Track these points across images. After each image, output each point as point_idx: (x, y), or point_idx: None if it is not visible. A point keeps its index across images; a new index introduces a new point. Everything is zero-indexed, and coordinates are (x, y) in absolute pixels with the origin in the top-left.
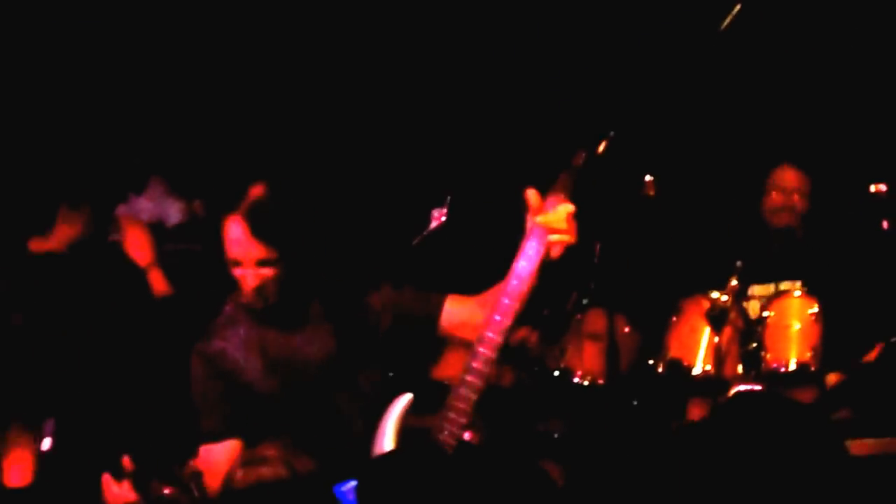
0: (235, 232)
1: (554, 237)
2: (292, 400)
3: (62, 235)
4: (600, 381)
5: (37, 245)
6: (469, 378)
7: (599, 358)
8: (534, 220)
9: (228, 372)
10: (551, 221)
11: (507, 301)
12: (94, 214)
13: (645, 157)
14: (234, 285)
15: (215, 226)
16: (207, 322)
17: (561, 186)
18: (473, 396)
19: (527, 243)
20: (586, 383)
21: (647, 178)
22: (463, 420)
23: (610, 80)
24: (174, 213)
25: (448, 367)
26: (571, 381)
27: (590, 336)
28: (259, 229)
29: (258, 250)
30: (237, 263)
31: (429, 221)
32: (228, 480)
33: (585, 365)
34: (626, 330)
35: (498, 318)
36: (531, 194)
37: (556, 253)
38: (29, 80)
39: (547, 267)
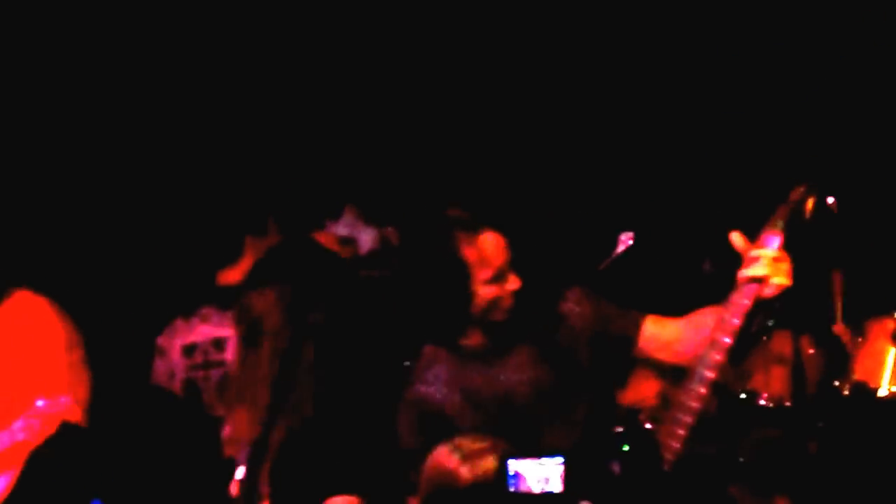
0: (498, 241)
1: (758, 273)
2: (501, 438)
3: (251, 264)
4: (787, 404)
5: (226, 277)
6: (687, 403)
7: (785, 380)
8: (747, 258)
9: (433, 416)
10: (762, 265)
11: (723, 338)
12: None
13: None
14: (424, 315)
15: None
16: (397, 350)
17: (776, 222)
18: (690, 420)
19: (742, 283)
20: (773, 406)
21: (830, 199)
22: (676, 445)
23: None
24: (367, 239)
25: (634, 392)
26: (758, 403)
27: (776, 358)
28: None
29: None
30: (500, 276)
31: (616, 245)
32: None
33: (772, 387)
34: (812, 352)
35: (713, 354)
36: (736, 238)
37: (769, 294)
38: (214, 111)
39: (762, 306)
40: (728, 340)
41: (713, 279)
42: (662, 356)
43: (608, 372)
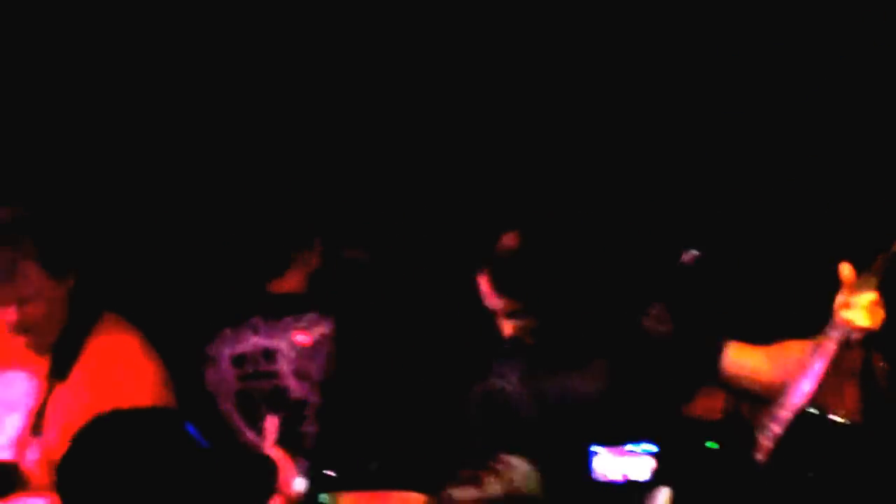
0: (482, 284)
1: (857, 323)
2: (566, 443)
3: (301, 274)
4: (858, 420)
5: (275, 286)
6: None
7: (857, 395)
8: (843, 299)
9: (505, 411)
10: (860, 313)
11: (807, 382)
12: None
13: None
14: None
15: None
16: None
17: (875, 270)
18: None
19: (833, 324)
20: (844, 421)
21: None
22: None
23: None
24: None
25: (699, 406)
26: (829, 419)
27: (847, 373)
28: (499, 284)
29: (503, 303)
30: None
31: (681, 259)
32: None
33: (845, 403)
34: (884, 367)
35: (798, 393)
36: (845, 270)
37: (856, 336)
38: (261, 123)
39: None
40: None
41: (691, 272)
42: (741, 384)
43: (682, 393)
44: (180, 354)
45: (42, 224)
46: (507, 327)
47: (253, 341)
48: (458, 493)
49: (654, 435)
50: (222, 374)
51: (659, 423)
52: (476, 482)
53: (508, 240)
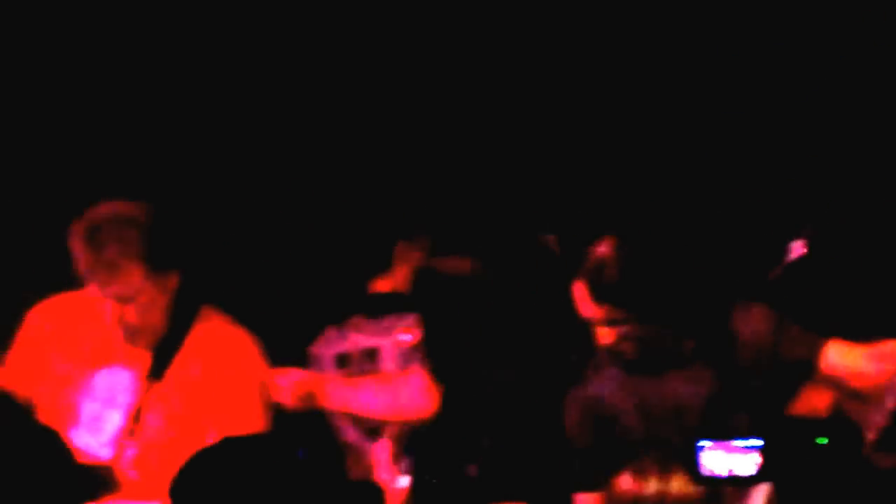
0: (577, 292)
1: None
2: (668, 448)
3: (404, 273)
4: None
5: (378, 286)
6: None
7: None
8: None
9: (604, 418)
10: None
11: None
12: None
13: None
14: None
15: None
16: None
17: None
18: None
19: None
20: None
21: None
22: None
23: None
24: None
25: (805, 404)
26: None
27: None
28: (597, 292)
29: (600, 312)
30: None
31: (787, 253)
32: None
33: None
34: None
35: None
36: None
37: None
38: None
39: None
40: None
41: (794, 270)
42: (842, 383)
43: (783, 393)
44: (283, 353)
45: (148, 222)
46: (606, 336)
47: (355, 340)
48: (633, 485)
49: (760, 432)
50: (325, 374)
51: (763, 421)
52: (661, 474)
53: (603, 247)
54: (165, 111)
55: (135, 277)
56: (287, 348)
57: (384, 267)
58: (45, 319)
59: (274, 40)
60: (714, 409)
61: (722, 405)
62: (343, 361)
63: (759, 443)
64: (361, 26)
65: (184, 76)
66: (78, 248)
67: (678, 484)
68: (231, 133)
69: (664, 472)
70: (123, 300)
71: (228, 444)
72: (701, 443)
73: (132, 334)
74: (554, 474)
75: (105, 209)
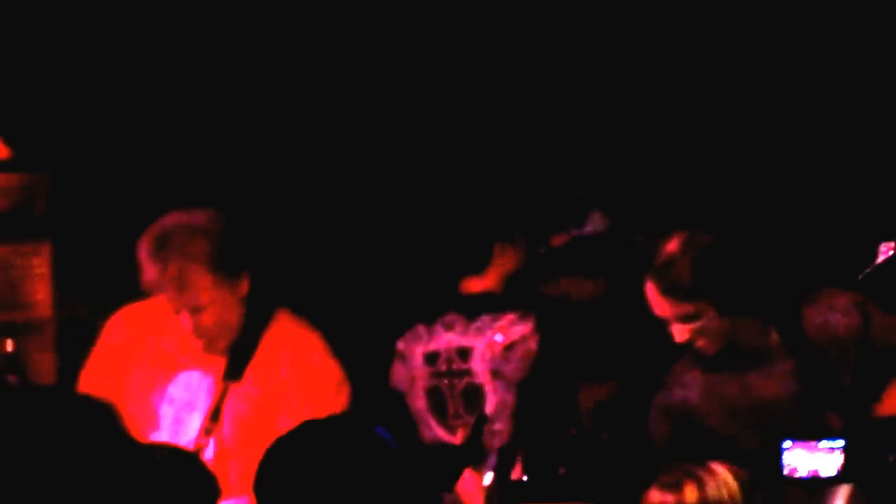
0: (649, 291)
1: None
2: (753, 448)
3: (498, 273)
4: None
5: (471, 285)
6: None
7: None
8: None
9: (690, 422)
10: None
11: None
12: (529, 248)
13: None
14: None
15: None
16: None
17: None
18: None
19: None
20: None
21: None
22: None
23: None
24: None
25: (891, 403)
26: None
27: None
28: (668, 288)
29: (673, 309)
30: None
31: (875, 255)
32: None
33: None
34: None
35: None
36: None
37: None
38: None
39: None
40: None
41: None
42: None
43: (874, 387)
44: (368, 348)
45: (214, 229)
46: (680, 333)
47: (447, 339)
48: (657, 497)
49: (843, 432)
50: (413, 371)
51: (847, 420)
52: (676, 488)
53: (671, 244)
54: (235, 114)
55: (204, 287)
56: (375, 344)
57: (478, 267)
58: (123, 328)
59: (349, 42)
60: (798, 407)
61: (806, 403)
62: (432, 360)
63: (842, 443)
64: (445, 33)
65: (255, 79)
66: (145, 263)
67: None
68: (322, 126)
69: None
70: (195, 311)
71: (309, 428)
72: (784, 443)
73: (208, 340)
74: (640, 478)
75: (170, 220)
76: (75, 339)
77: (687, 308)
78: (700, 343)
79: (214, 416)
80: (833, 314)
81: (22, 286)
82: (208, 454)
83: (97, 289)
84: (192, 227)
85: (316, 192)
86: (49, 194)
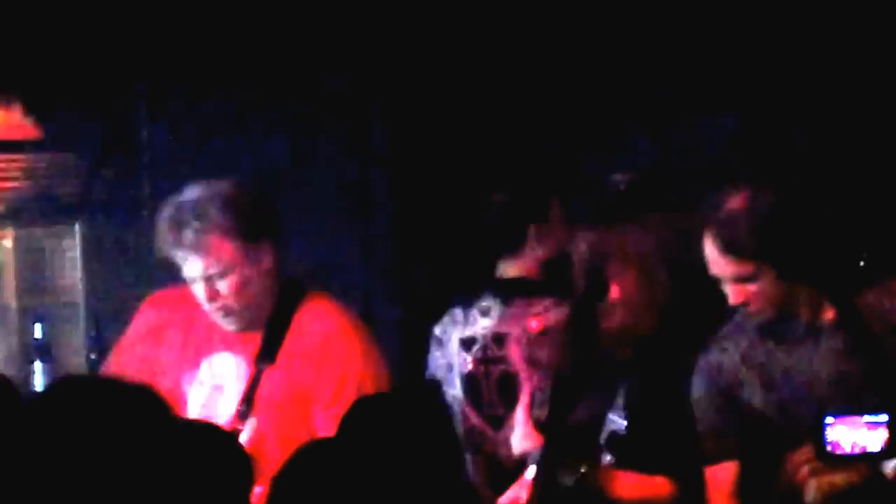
0: (707, 248)
1: None
2: (792, 425)
3: (535, 256)
4: None
5: (508, 269)
6: None
7: None
8: None
9: (726, 386)
10: None
11: None
12: (567, 233)
13: None
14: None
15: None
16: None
17: None
18: None
19: None
20: None
21: None
22: None
23: None
24: None
25: None
26: None
27: None
28: (730, 246)
29: (732, 268)
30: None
31: None
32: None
33: None
34: None
35: None
36: None
37: None
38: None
39: None
40: None
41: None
42: None
43: None
44: (406, 332)
45: (232, 195)
46: (737, 294)
47: (484, 324)
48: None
49: (887, 407)
50: (449, 357)
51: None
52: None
53: (736, 199)
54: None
55: (223, 253)
56: (411, 327)
57: (515, 250)
58: (154, 313)
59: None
60: (845, 383)
61: (854, 380)
62: (469, 345)
63: (886, 417)
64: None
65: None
66: (163, 230)
67: None
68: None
69: None
70: (213, 279)
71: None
72: (827, 418)
73: (232, 318)
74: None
75: (189, 190)
76: (105, 323)
77: (747, 268)
78: (753, 307)
79: (248, 400)
80: (891, 299)
81: (51, 270)
82: (243, 439)
83: (127, 273)
84: (211, 194)
85: (349, 172)
86: (79, 176)
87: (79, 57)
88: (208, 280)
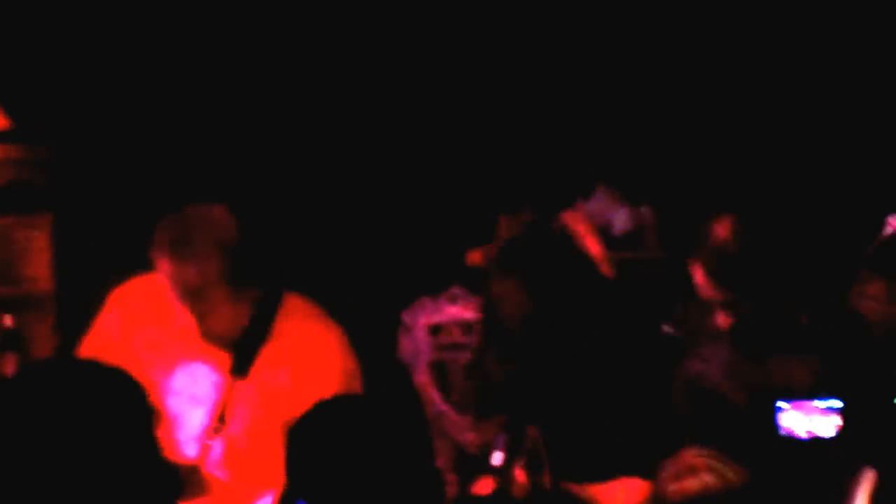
0: (697, 276)
1: None
2: (769, 429)
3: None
4: None
5: (476, 257)
6: None
7: None
8: None
9: (707, 395)
10: None
11: None
12: (536, 221)
13: None
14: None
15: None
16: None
17: None
18: None
19: None
20: None
21: None
22: None
23: None
24: (620, 220)
25: None
26: None
27: None
28: (718, 276)
29: (721, 295)
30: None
31: (882, 227)
32: (658, 496)
33: None
34: None
35: None
36: None
37: None
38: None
39: None
40: None
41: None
42: None
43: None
44: (375, 319)
45: (231, 243)
46: (723, 318)
47: (451, 311)
48: (674, 485)
49: (840, 394)
50: (417, 343)
51: (843, 383)
52: (693, 473)
53: (722, 229)
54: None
55: (218, 299)
56: (380, 314)
57: (483, 239)
58: (125, 305)
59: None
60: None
61: (830, 389)
62: (436, 332)
63: (839, 404)
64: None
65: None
66: (161, 264)
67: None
68: (326, 103)
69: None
70: (205, 315)
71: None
72: (779, 403)
73: (214, 338)
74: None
75: (189, 224)
76: (75, 313)
77: (734, 295)
78: (739, 328)
79: (222, 411)
80: (862, 300)
81: (22, 260)
82: (216, 453)
83: (98, 263)
84: (213, 240)
85: (322, 167)
86: (50, 167)
87: (51, 48)
88: (201, 315)
